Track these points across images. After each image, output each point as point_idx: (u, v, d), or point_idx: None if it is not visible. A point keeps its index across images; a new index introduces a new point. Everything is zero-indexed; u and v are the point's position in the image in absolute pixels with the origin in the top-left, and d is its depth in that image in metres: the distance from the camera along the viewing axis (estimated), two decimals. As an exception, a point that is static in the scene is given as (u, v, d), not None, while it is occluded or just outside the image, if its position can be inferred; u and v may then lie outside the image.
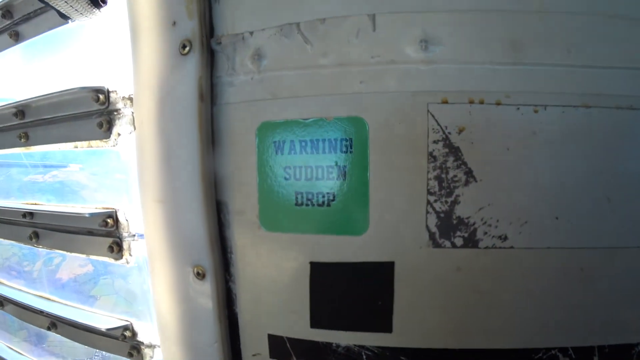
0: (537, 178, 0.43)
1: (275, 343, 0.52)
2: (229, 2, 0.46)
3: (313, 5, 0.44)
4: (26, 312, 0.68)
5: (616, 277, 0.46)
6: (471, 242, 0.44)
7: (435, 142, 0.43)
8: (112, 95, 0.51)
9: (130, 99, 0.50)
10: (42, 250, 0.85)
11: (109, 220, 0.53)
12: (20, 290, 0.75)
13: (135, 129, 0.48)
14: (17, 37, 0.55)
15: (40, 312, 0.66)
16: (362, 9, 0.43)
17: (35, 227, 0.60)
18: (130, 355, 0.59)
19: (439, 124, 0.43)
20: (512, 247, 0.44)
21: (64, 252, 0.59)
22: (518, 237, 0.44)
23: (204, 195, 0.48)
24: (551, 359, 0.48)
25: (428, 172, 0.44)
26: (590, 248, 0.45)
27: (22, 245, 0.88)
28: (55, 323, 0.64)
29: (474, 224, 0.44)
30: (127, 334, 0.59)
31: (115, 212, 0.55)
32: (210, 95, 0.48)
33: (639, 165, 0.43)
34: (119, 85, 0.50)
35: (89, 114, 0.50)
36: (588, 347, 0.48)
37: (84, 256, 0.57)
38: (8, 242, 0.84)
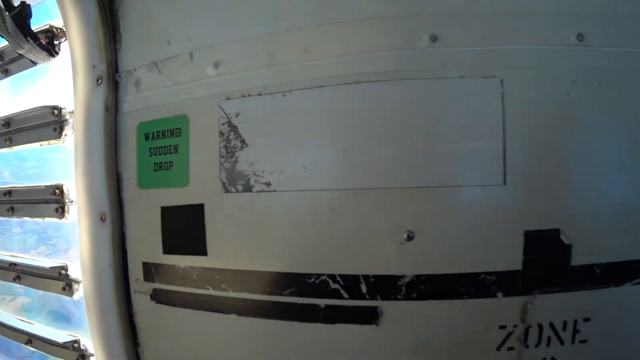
0: (289, 141, 0.63)
1: (146, 269, 0.76)
2: (124, 51, 0.79)
3: (161, 50, 0.73)
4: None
5: (366, 214, 0.60)
6: (248, 188, 0.65)
7: (223, 124, 0.67)
8: (63, 110, 0.85)
9: (71, 112, 0.84)
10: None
11: (57, 191, 0.84)
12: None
13: (73, 131, 0.80)
14: (6, 73, 0.92)
15: (10, 266, 0.95)
16: (186, 49, 0.71)
17: (12, 203, 0.93)
18: (64, 289, 0.86)
19: (224, 112, 0.67)
20: (275, 191, 0.64)
21: (29, 219, 0.91)
22: (278, 183, 0.63)
23: (107, 169, 0.77)
24: (323, 284, 0.62)
25: (219, 143, 0.67)
26: (335, 189, 0.60)
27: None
28: (20, 275, 0.94)
29: (247, 175, 0.65)
30: (63, 272, 0.86)
31: (62, 185, 0.86)
32: (114, 108, 0.79)
33: (363, 121, 0.59)
34: (67, 104, 0.85)
35: (49, 123, 0.84)
36: (353, 276, 0.60)
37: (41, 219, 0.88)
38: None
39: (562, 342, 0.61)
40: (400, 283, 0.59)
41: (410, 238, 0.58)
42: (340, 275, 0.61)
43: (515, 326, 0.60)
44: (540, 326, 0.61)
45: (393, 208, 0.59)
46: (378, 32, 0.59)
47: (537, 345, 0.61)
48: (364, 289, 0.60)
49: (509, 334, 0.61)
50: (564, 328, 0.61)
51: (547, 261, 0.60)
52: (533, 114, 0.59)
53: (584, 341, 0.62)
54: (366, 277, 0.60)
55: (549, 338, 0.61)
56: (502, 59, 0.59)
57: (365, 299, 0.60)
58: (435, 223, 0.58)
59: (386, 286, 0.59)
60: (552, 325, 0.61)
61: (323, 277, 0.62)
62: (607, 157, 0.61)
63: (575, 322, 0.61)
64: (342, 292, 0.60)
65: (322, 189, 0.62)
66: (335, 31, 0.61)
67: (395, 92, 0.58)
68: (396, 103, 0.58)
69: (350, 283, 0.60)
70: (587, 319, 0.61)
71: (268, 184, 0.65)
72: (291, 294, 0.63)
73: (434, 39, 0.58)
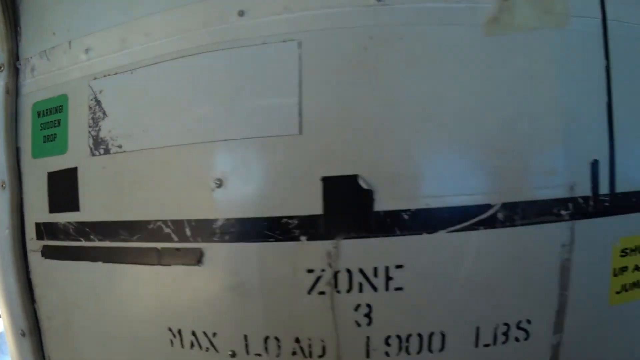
0: (134, 110, 0.74)
1: (38, 228, 0.88)
2: (24, 41, 0.92)
3: (49, 40, 0.86)
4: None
5: (186, 166, 0.69)
6: (107, 151, 0.77)
7: (91, 100, 0.79)
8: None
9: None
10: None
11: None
12: None
13: (-17, 112, 0.94)
14: None
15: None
16: (66, 38, 0.84)
17: None
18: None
19: (92, 90, 0.79)
20: (124, 151, 0.75)
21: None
22: (126, 145, 0.75)
23: (7, 143, 0.90)
24: (159, 229, 0.71)
25: (88, 116, 0.79)
26: (164, 147, 0.70)
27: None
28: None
29: (107, 140, 0.77)
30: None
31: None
32: (15, 91, 0.92)
33: (185, 88, 0.70)
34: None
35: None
36: (180, 220, 0.70)
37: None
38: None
39: (375, 289, 0.63)
40: (214, 226, 0.68)
41: (219, 185, 0.68)
42: (171, 221, 0.71)
43: (323, 270, 0.63)
44: (349, 271, 0.63)
45: (205, 159, 0.69)
46: (198, 14, 0.70)
47: (348, 291, 0.64)
48: (188, 232, 0.70)
49: (318, 278, 0.64)
50: (375, 274, 0.63)
51: (348, 206, 0.63)
52: (329, 70, 0.65)
53: (399, 289, 0.64)
54: (189, 222, 0.69)
55: (360, 284, 0.63)
56: (301, 24, 0.66)
57: (190, 241, 0.70)
58: (239, 171, 0.68)
59: (204, 229, 0.68)
60: (362, 271, 0.63)
61: (159, 223, 0.72)
62: (411, 105, 0.63)
63: (387, 268, 0.63)
64: (173, 235, 0.71)
65: (154, 147, 0.72)
66: (166, 16, 0.73)
67: (209, 62, 0.69)
68: (209, 71, 0.69)
69: (178, 227, 0.70)
70: (399, 266, 0.63)
71: (120, 146, 0.76)
72: (138, 240, 0.74)
73: (241, 13, 0.68)
